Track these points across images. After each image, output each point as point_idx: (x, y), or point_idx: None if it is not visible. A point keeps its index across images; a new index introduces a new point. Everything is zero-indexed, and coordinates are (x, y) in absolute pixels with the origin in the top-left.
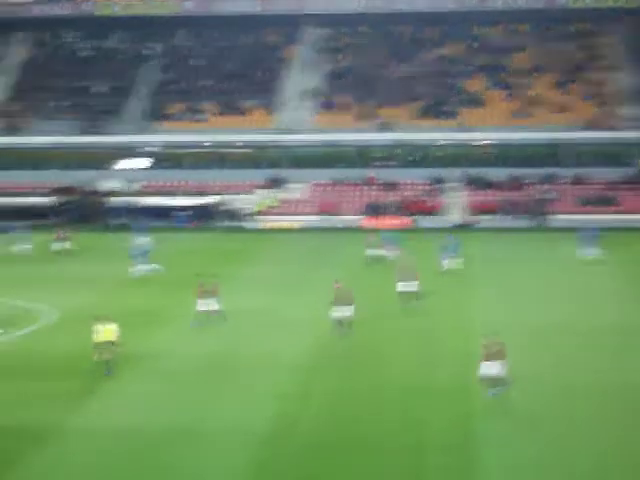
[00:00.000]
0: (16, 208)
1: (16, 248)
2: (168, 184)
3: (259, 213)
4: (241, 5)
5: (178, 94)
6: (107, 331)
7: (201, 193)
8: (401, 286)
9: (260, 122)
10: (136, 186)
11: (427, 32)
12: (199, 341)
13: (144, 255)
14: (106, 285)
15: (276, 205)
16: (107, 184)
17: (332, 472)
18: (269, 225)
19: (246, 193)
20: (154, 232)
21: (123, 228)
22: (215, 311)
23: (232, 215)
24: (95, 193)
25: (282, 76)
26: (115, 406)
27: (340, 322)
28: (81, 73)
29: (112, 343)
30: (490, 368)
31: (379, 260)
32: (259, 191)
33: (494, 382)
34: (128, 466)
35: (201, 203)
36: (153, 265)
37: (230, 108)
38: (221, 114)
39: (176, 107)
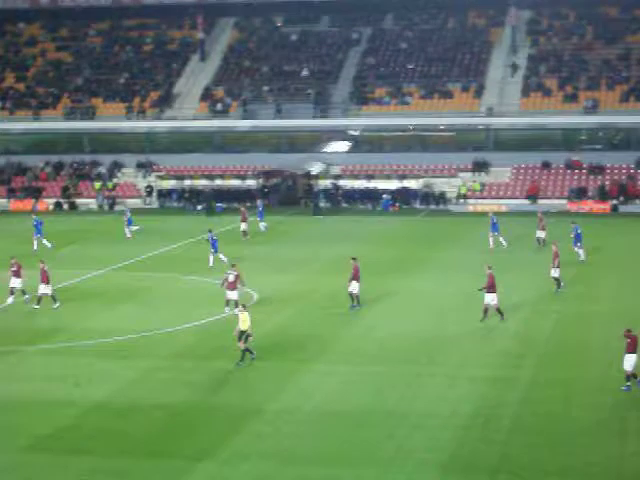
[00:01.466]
0: (224, 190)
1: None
2: (366, 167)
3: (463, 196)
4: None
5: (383, 77)
6: (242, 320)
7: (403, 176)
8: (553, 272)
9: (465, 105)
10: (336, 169)
11: (635, 13)
12: (403, 321)
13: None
14: (302, 268)
15: (480, 189)
16: (310, 167)
17: (533, 455)
18: (472, 209)
19: (449, 176)
20: (359, 215)
21: (329, 211)
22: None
23: (435, 198)
24: (301, 176)
25: (487, 59)
26: (316, 387)
27: (486, 308)
28: (289, 57)
29: (242, 332)
30: (628, 361)
31: (542, 242)
32: (463, 174)
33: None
34: (322, 448)
35: (404, 186)
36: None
37: (434, 91)
38: (425, 97)
39: (380, 90)
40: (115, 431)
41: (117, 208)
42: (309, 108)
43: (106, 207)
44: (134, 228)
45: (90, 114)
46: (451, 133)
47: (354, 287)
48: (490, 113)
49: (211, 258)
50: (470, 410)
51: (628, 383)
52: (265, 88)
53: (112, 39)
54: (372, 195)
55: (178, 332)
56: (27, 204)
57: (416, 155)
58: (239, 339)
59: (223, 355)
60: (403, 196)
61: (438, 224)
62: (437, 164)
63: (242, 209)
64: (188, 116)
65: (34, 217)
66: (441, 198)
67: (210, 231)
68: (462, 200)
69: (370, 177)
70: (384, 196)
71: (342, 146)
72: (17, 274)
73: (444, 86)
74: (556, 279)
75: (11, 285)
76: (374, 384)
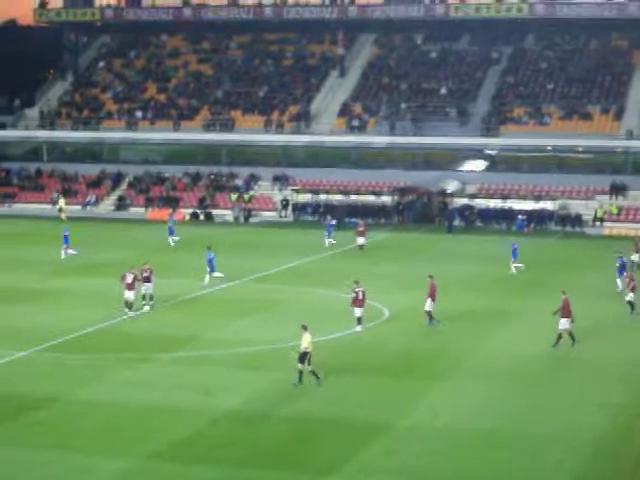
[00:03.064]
0: (358, 206)
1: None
2: (502, 187)
3: (599, 220)
4: (590, 9)
5: (521, 97)
6: (303, 340)
7: (539, 197)
8: (628, 296)
9: (604, 127)
10: (471, 188)
11: None
12: (532, 342)
13: None
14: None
15: (617, 212)
16: (446, 185)
17: None
18: (609, 232)
19: (586, 199)
20: (493, 234)
21: (463, 230)
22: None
23: (571, 221)
24: (436, 194)
25: (628, 81)
26: (446, 405)
27: (560, 334)
28: (428, 75)
29: (300, 353)
30: None
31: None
32: (600, 197)
33: None
34: (452, 467)
35: (539, 207)
36: None
37: (574, 112)
38: (564, 118)
39: (519, 110)
40: (244, 441)
41: (252, 220)
42: (447, 126)
43: (242, 219)
44: (174, 239)
45: (229, 126)
46: (589, 155)
47: (429, 305)
48: (630, 136)
49: (207, 277)
50: (598, 436)
51: None
52: (403, 105)
53: (253, 52)
54: (507, 215)
55: None
56: (164, 213)
57: (552, 176)
58: (299, 360)
59: (352, 370)
60: (538, 217)
61: (573, 247)
62: (574, 186)
63: (359, 222)
64: (325, 131)
65: (64, 227)
66: (577, 220)
67: (209, 248)
68: (598, 223)
69: (505, 197)
70: (519, 216)
71: (478, 165)
72: (148, 279)
73: (584, 107)
74: (630, 303)
75: (143, 291)
76: (502, 404)
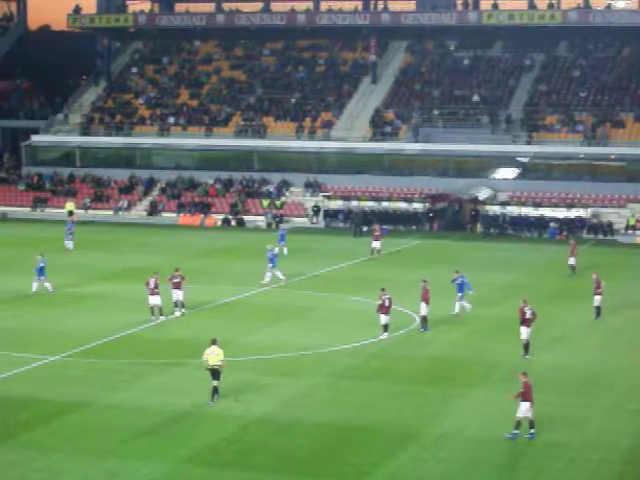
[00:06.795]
0: (389, 212)
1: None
2: (533, 194)
3: (632, 228)
4: (623, 16)
5: (553, 105)
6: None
7: (571, 205)
8: (595, 300)
9: (637, 135)
10: (503, 196)
11: None
12: (563, 351)
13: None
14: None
15: None
16: (477, 192)
17: None
18: None
19: (618, 207)
20: (524, 242)
21: (494, 238)
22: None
23: (603, 229)
24: (467, 201)
25: None
26: (476, 413)
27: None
28: (461, 81)
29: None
30: None
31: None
32: (632, 205)
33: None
34: (482, 476)
35: (572, 215)
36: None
37: (606, 120)
38: (596, 126)
39: (551, 118)
40: (274, 447)
41: (282, 226)
42: (479, 133)
43: (273, 225)
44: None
45: (261, 133)
46: (622, 163)
47: (423, 309)
48: None
49: (48, 285)
50: (631, 444)
51: None
52: (435, 112)
53: (285, 59)
54: (539, 223)
55: (339, 352)
56: (196, 219)
57: (584, 184)
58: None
59: (383, 377)
60: (570, 225)
61: (604, 255)
62: (606, 194)
63: (375, 227)
64: (357, 138)
65: None
66: (609, 228)
67: (42, 255)
68: (630, 231)
69: (537, 205)
70: (551, 224)
71: (510, 172)
72: (178, 286)
73: (616, 115)
74: (597, 308)
75: (174, 298)
76: (535, 413)
